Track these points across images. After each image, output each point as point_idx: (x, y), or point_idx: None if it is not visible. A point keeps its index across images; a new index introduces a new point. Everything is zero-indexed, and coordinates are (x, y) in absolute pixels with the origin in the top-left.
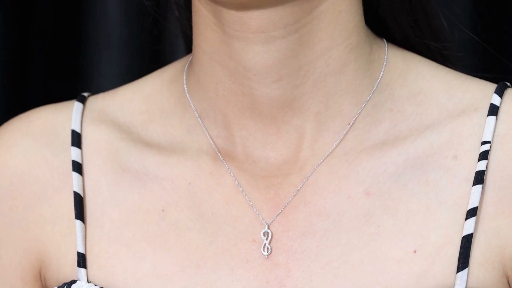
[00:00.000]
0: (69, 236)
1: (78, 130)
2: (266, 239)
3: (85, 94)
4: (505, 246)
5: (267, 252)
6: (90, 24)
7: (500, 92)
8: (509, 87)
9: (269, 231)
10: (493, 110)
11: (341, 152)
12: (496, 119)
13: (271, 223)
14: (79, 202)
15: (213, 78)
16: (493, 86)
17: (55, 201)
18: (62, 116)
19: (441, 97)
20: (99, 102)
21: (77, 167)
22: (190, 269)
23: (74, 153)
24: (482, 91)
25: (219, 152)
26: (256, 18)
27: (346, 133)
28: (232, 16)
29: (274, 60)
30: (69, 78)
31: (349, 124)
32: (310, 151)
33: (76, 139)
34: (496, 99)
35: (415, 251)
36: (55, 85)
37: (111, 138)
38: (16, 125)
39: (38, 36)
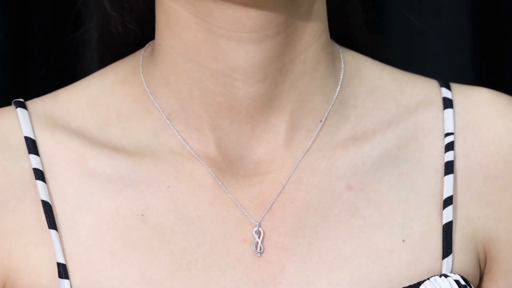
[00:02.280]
0: (41, 247)
1: (32, 137)
2: (258, 238)
3: (20, 100)
4: (476, 232)
5: (260, 250)
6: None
7: (447, 86)
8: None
9: (260, 229)
10: (448, 104)
11: (317, 149)
12: (453, 112)
13: (260, 221)
14: (49, 211)
15: (188, 80)
16: (434, 81)
17: (18, 211)
18: (8, 123)
19: (394, 93)
20: (40, 107)
21: (41, 175)
22: (180, 272)
23: (35, 161)
24: (428, 86)
25: (193, 153)
26: (254, 17)
27: (320, 130)
28: (227, 15)
29: (263, 59)
30: (68, 76)
31: (321, 121)
32: (286, 149)
33: (32, 147)
34: (447, 93)
35: (403, 241)
36: (54, 83)
37: (71, 144)
38: None
39: (37, 34)
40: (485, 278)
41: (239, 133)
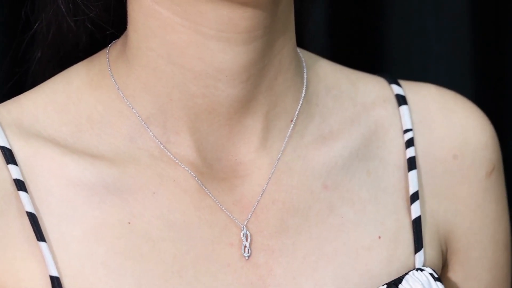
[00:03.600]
0: (30, 261)
1: (8, 146)
2: (246, 241)
3: None
4: (439, 225)
5: (248, 253)
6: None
7: (396, 83)
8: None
9: (248, 232)
10: (402, 101)
11: (291, 149)
12: (409, 109)
13: (245, 224)
14: (36, 223)
15: (168, 82)
16: (381, 78)
17: (1, 224)
18: None
19: (349, 91)
20: (7, 114)
21: (23, 186)
22: (173, 280)
23: (14, 171)
24: (378, 83)
25: (174, 157)
26: (248, 18)
27: (291, 130)
28: (221, 16)
29: (249, 60)
30: (20, 78)
31: (291, 121)
32: (263, 150)
33: (10, 156)
34: (399, 90)
35: (379, 237)
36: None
37: (48, 153)
38: None
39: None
40: (445, 269)
41: (217, 135)
